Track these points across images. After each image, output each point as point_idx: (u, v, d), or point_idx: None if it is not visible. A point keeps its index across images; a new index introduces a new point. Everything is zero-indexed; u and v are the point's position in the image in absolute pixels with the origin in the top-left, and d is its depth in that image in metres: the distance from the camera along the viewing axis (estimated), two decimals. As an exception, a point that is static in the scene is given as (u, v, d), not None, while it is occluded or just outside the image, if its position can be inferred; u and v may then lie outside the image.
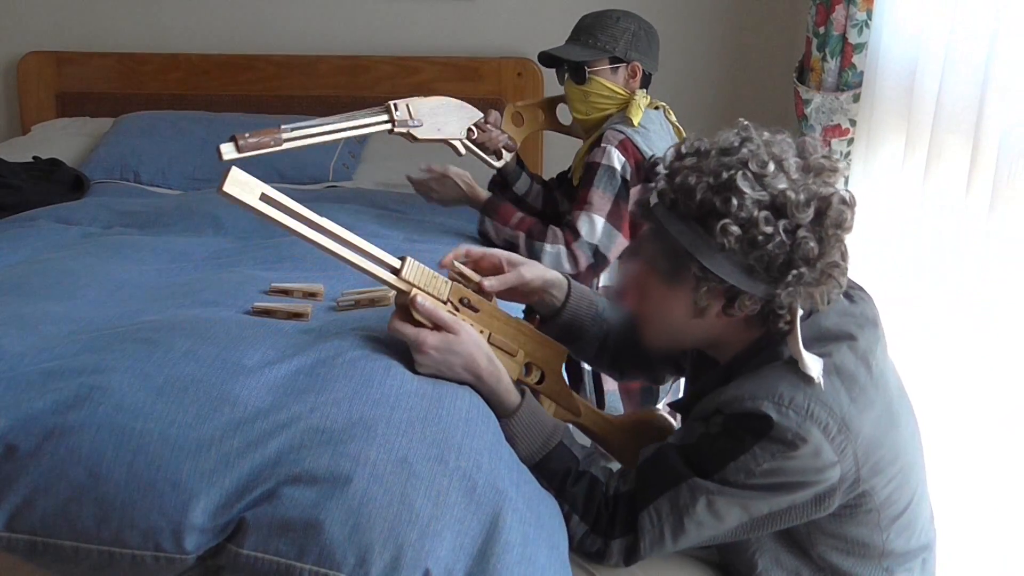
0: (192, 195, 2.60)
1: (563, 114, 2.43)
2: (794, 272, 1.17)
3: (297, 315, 1.50)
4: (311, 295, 1.61)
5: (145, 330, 1.40)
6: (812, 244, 1.16)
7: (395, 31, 3.28)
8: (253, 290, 1.63)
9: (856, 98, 2.36)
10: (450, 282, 1.34)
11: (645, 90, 2.21)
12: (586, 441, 1.47)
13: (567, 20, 2.33)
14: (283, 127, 1.88)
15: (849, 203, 1.20)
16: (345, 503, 1.12)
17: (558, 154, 2.95)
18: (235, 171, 1.14)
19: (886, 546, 1.30)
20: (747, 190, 1.16)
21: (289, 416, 1.21)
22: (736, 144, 1.20)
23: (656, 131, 2.17)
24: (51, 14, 3.36)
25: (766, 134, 1.23)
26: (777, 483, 1.19)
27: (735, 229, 1.15)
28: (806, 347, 1.19)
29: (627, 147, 2.10)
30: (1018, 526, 1.79)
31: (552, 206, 2.38)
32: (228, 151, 1.80)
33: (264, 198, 1.16)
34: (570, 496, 1.30)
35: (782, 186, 1.16)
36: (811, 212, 1.16)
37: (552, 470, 1.31)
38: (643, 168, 2.09)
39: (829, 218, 1.17)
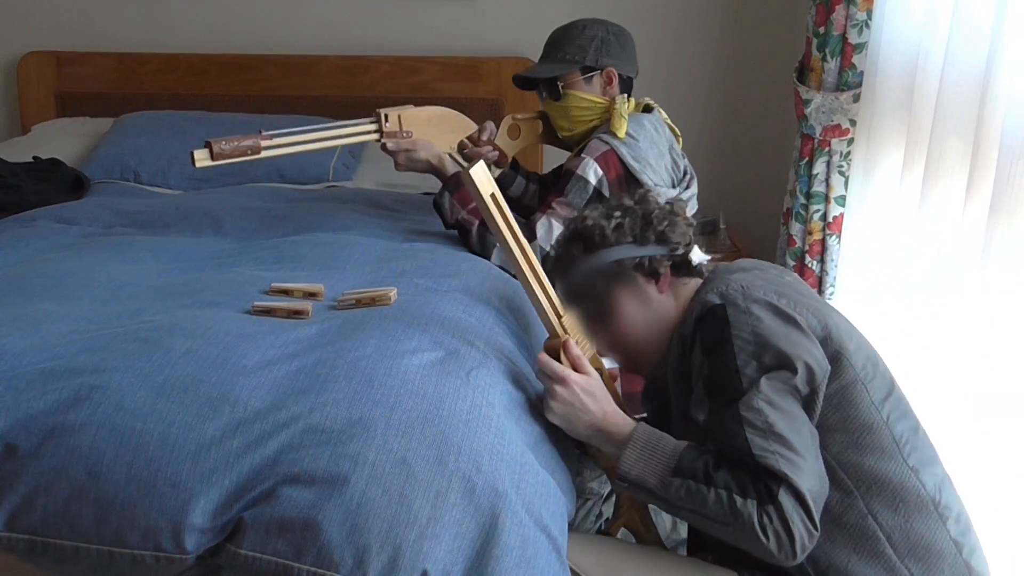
0: (192, 195, 2.60)
1: None
2: (654, 216, 1.51)
3: (297, 312, 1.50)
4: (311, 295, 1.61)
5: (145, 330, 1.40)
6: (650, 204, 1.54)
7: (395, 31, 3.28)
8: (253, 290, 1.63)
9: (856, 98, 2.36)
10: (592, 346, 1.51)
11: (627, 95, 2.14)
12: None
13: (567, 20, 2.33)
14: (264, 133, 1.83)
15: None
16: (343, 504, 1.13)
17: (559, 158, 2.95)
18: (478, 167, 1.34)
19: (891, 428, 1.35)
20: (589, 217, 1.54)
21: (288, 416, 1.21)
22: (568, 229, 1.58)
23: (648, 138, 2.09)
24: (51, 14, 3.36)
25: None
26: (776, 348, 1.31)
27: (603, 225, 1.50)
28: (710, 289, 1.41)
29: (609, 160, 2.03)
30: (1018, 535, 1.78)
31: None
32: (202, 158, 1.75)
33: (493, 198, 1.37)
34: (721, 480, 1.27)
35: (605, 204, 1.59)
36: (631, 200, 1.56)
37: (691, 467, 1.30)
38: (624, 182, 2.02)
39: (645, 196, 1.57)
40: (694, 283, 1.53)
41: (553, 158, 3.11)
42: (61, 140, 3.06)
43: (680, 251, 1.52)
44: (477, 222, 2.05)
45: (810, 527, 1.24)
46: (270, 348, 1.35)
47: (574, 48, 2.12)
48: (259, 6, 3.30)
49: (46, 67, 3.33)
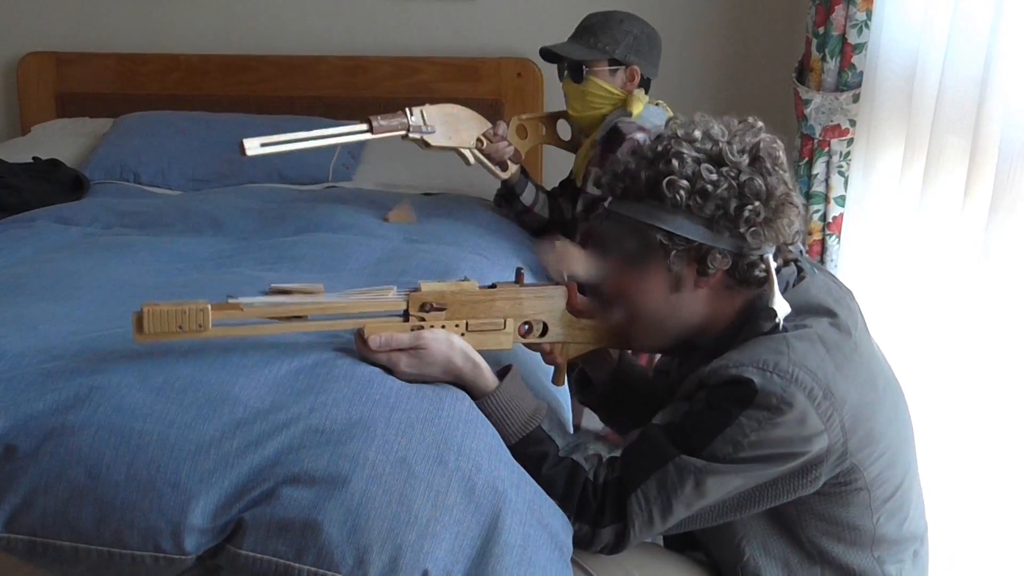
0: (192, 195, 2.60)
1: (563, 129, 2.45)
2: (749, 209, 1.22)
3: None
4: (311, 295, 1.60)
5: (145, 330, 1.40)
6: (759, 181, 1.23)
7: (395, 31, 3.28)
8: (253, 290, 1.62)
9: (856, 98, 2.36)
10: (407, 295, 1.32)
11: (643, 91, 2.22)
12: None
13: (567, 20, 2.34)
14: (407, 109, 1.99)
15: (777, 142, 1.29)
16: (343, 504, 1.12)
17: (558, 165, 2.95)
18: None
19: (876, 530, 1.31)
20: (684, 150, 1.24)
21: (288, 416, 1.21)
22: (663, 132, 1.30)
23: (659, 127, 2.17)
24: (51, 14, 3.36)
25: (686, 118, 1.33)
26: (764, 455, 1.20)
27: (684, 183, 1.22)
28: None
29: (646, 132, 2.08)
30: (1015, 536, 1.78)
31: (558, 214, 2.40)
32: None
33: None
34: (547, 479, 1.28)
35: (712, 141, 1.26)
36: (746, 157, 1.25)
37: (528, 454, 1.29)
38: None
39: (766, 157, 1.25)
40: (744, 295, 1.29)
41: (553, 163, 3.12)
42: (61, 141, 3.05)
43: (750, 259, 1.25)
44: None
45: (594, 552, 1.29)
46: (269, 348, 1.35)
47: (608, 39, 2.19)
48: (259, 6, 3.30)
49: (46, 67, 3.33)
